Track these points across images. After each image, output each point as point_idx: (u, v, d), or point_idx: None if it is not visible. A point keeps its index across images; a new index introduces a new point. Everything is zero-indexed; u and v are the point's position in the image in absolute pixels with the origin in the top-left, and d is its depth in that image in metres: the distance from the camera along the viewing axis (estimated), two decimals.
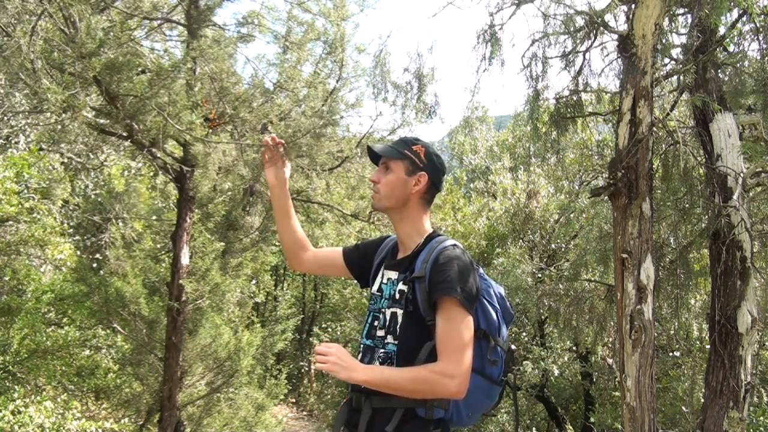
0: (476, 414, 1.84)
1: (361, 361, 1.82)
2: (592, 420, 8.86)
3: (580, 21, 4.49)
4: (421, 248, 1.84)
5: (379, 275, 1.94)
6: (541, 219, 10.45)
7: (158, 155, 5.44)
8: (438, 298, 1.71)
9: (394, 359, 1.77)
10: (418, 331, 1.76)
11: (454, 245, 1.81)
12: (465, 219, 12.18)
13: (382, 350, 1.80)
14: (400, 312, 1.79)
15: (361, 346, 1.87)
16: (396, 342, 1.78)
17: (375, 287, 1.93)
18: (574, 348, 10.04)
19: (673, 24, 4.93)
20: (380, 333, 1.82)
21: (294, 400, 14.95)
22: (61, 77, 4.07)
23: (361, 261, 2.05)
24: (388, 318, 1.82)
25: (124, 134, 5.02)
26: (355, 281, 2.13)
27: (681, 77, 5.00)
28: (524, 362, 9.17)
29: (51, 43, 4.13)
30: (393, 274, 1.87)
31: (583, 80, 4.89)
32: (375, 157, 1.94)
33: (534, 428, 10.48)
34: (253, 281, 10.64)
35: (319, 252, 2.16)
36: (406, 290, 1.79)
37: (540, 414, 11.27)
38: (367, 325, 1.88)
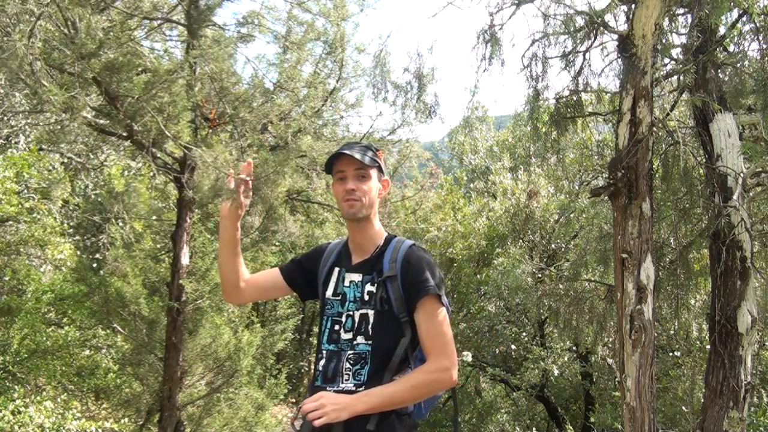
0: (430, 408, 1.92)
1: (327, 365, 1.83)
2: (592, 420, 8.87)
3: (580, 21, 4.49)
4: (383, 249, 1.89)
5: (333, 280, 1.95)
6: (541, 219, 10.46)
7: (158, 155, 5.44)
8: (420, 298, 1.77)
9: (368, 359, 1.79)
10: (392, 329, 1.80)
11: (416, 245, 1.90)
12: (465, 219, 12.18)
13: (351, 352, 1.81)
14: (371, 312, 1.82)
15: (324, 352, 1.87)
16: (369, 342, 1.80)
17: (330, 292, 1.93)
18: (574, 348, 10.05)
19: (673, 24, 4.93)
20: (346, 336, 1.84)
21: (294, 400, 14.94)
22: (61, 78, 4.06)
23: (307, 275, 2.04)
24: (356, 320, 1.84)
25: (124, 134, 5.01)
26: (297, 296, 2.11)
27: (681, 77, 5.00)
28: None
29: (50, 43, 4.12)
30: (356, 277, 1.90)
31: (583, 80, 4.89)
32: (331, 165, 1.93)
33: (534, 428, 10.49)
34: None
35: (257, 279, 2.11)
36: (375, 290, 1.83)
37: (540, 414, 11.29)
38: (327, 330, 1.89)
